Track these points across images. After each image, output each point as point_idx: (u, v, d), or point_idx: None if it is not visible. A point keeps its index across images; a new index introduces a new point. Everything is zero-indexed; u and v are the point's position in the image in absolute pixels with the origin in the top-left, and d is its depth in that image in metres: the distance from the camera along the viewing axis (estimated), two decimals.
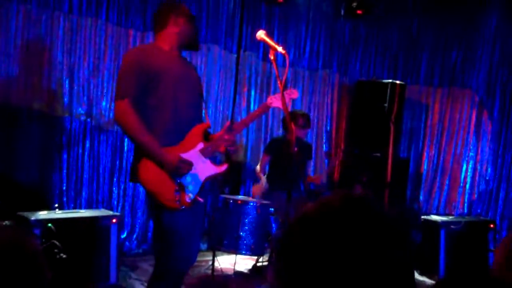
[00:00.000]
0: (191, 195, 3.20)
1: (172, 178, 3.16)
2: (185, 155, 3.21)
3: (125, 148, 5.94)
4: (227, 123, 3.48)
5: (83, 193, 5.71)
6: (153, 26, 3.47)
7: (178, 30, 3.37)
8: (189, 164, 3.20)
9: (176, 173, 3.16)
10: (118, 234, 4.86)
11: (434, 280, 5.89)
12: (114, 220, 4.71)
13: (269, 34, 6.69)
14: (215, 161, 3.45)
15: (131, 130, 3.11)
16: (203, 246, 6.11)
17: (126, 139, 5.89)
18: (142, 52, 3.29)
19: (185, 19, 3.41)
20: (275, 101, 3.57)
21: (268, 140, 6.66)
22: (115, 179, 5.93)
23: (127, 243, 5.97)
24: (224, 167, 3.41)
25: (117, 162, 5.94)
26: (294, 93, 3.73)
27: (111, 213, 4.90)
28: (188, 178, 3.22)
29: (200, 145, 3.32)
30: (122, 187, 5.97)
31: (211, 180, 3.46)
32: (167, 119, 3.21)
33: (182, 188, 3.17)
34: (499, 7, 7.55)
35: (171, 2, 3.52)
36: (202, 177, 3.29)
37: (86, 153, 5.74)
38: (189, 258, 3.35)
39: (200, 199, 3.26)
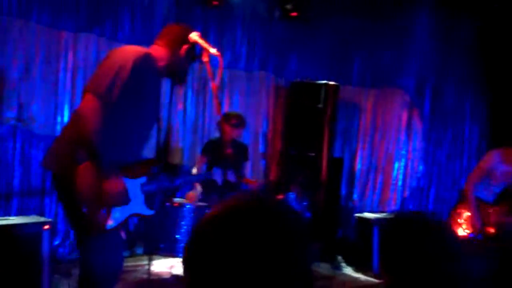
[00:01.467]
0: (113, 223, 3.02)
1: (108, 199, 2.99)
2: (128, 181, 3.06)
3: None
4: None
5: (14, 200, 5.55)
6: (162, 35, 3.35)
7: (179, 61, 3.30)
8: (127, 199, 3.05)
9: (112, 201, 2.98)
10: (51, 241, 4.75)
11: (368, 276, 6.04)
12: (46, 227, 4.60)
13: (205, 36, 6.71)
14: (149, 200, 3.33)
15: (93, 133, 2.87)
16: (139, 250, 6.06)
17: None
18: (145, 61, 3.08)
19: (193, 54, 3.36)
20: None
21: (205, 141, 6.66)
22: (47, 185, 5.79)
23: (60, 249, 5.84)
24: (151, 212, 3.28)
25: None
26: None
27: (42, 219, 4.78)
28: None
29: (143, 179, 3.22)
30: (54, 193, 5.83)
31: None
32: (126, 136, 3.11)
33: (108, 212, 2.98)
34: (427, 8, 7.80)
35: (189, 30, 3.41)
36: (130, 211, 3.14)
37: (17, 159, 5.58)
38: (114, 269, 3.21)
39: (123, 234, 3.15)
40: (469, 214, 5.40)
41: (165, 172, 3.39)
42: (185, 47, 3.30)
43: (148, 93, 3.16)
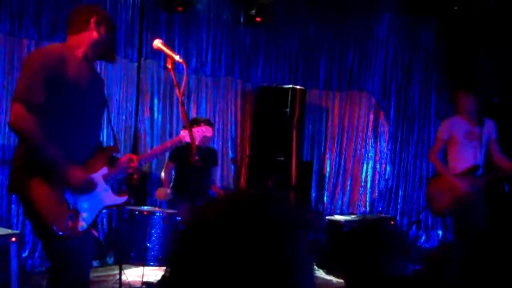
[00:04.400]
0: (84, 224, 2.97)
1: (67, 201, 2.93)
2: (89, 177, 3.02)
3: None
4: (130, 156, 3.32)
5: None
6: (68, 25, 3.19)
7: (98, 37, 3.13)
8: (94, 185, 3.02)
9: (80, 189, 2.94)
10: (19, 252, 4.65)
11: (340, 279, 6.06)
12: (13, 239, 4.50)
13: (170, 42, 6.74)
14: (118, 188, 3.30)
15: (32, 138, 2.81)
16: (110, 260, 5.97)
17: None
18: (54, 54, 2.97)
19: (107, 27, 3.18)
20: (187, 136, 3.36)
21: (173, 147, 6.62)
22: (13, 197, 5.66)
23: (29, 261, 5.72)
24: (124, 198, 3.25)
25: None
26: (208, 131, 3.65)
27: (10, 231, 4.66)
28: (85, 205, 3.01)
29: (104, 170, 3.16)
30: (20, 205, 5.72)
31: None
32: (70, 133, 3.00)
33: (76, 215, 2.93)
34: (390, 11, 7.91)
35: (94, 5, 3.30)
36: (100, 205, 3.11)
37: None
38: (81, 281, 3.11)
39: (94, 232, 3.11)
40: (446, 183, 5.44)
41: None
42: (93, 21, 3.12)
43: (77, 85, 3.02)
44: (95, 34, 3.13)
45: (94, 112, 3.21)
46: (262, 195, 1.14)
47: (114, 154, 3.29)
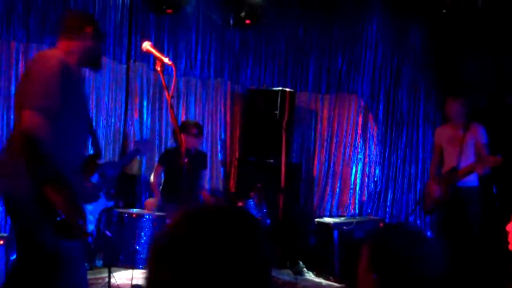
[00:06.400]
0: (90, 226, 3.10)
1: (81, 204, 2.98)
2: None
3: None
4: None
5: None
6: (61, 29, 3.20)
7: (90, 45, 3.17)
8: (97, 193, 3.14)
9: (89, 198, 3.04)
10: (7, 255, 4.62)
11: (329, 281, 6.07)
12: (1, 242, 4.48)
13: (159, 43, 6.72)
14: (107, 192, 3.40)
15: (47, 148, 2.82)
16: (99, 263, 5.94)
17: None
18: (63, 62, 2.99)
19: (97, 35, 3.23)
20: None
21: (163, 150, 6.60)
22: (0, 198, 5.61)
23: None
24: (112, 203, 3.40)
25: None
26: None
27: None
28: (89, 207, 3.14)
29: (96, 177, 3.27)
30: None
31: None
32: (73, 139, 3.05)
33: (84, 217, 2.98)
34: (379, 13, 7.94)
35: (85, 13, 3.34)
36: (98, 209, 3.25)
37: None
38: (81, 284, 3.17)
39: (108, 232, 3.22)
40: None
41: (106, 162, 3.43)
42: (89, 29, 3.17)
43: (78, 92, 3.09)
44: (89, 43, 3.16)
45: (86, 120, 3.27)
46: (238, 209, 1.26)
47: (98, 161, 3.31)
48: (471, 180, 5.58)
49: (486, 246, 5.72)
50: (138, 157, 5.92)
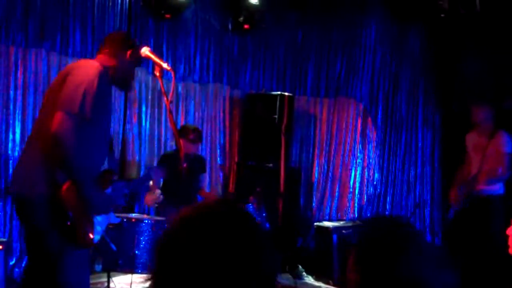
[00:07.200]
0: (97, 237, 3.10)
1: (91, 214, 3.04)
2: None
3: (10, 170, 5.65)
4: None
5: None
6: (104, 45, 3.32)
7: (125, 67, 3.28)
8: (110, 206, 3.21)
9: (102, 209, 3.10)
10: (6, 260, 4.62)
11: (329, 285, 6.07)
12: (0, 247, 4.48)
13: (158, 49, 6.73)
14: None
15: (72, 152, 2.88)
16: (98, 267, 5.93)
17: (10, 161, 5.61)
18: (105, 74, 3.10)
19: (134, 60, 3.34)
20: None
21: (162, 153, 6.60)
22: (0, 203, 5.62)
23: (16, 269, 5.65)
24: (118, 220, 3.46)
25: (2, 186, 5.64)
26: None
27: None
28: (98, 218, 3.12)
29: (109, 190, 3.27)
30: (8, 211, 5.66)
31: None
32: (95, 151, 3.12)
33: (92, 226, 3.03)
34: (377, 18, 7.96)
35: (130, 37, 3.49)
36: (106, 222, 3.24)
37: None
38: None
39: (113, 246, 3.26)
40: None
41: (120, 179, 3.47)
42: (129, 52, 3.29)
43: (106, 106, 3.17)
44: (125, 65, 3.26)
45: (108, 134, 3.37)
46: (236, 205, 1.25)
47: (113, 177, 3.40)
48: (494, 188, 5.49)
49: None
50: (149, 182, 5.92)
